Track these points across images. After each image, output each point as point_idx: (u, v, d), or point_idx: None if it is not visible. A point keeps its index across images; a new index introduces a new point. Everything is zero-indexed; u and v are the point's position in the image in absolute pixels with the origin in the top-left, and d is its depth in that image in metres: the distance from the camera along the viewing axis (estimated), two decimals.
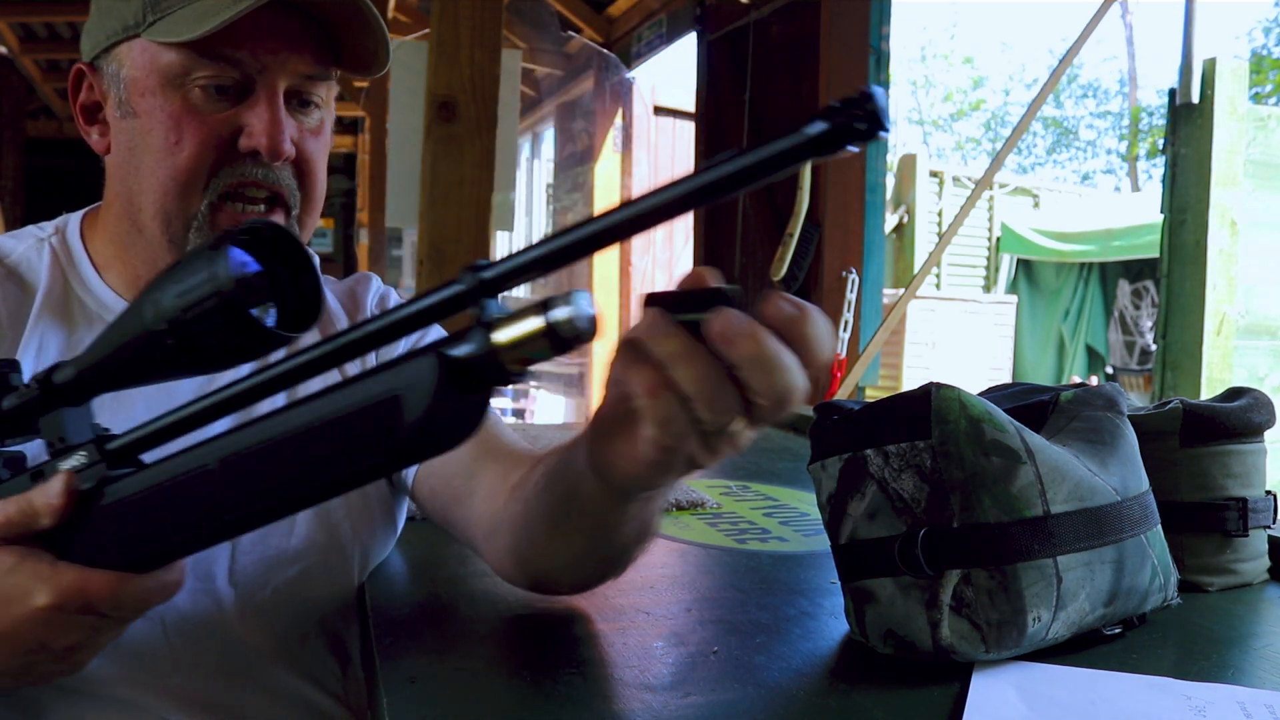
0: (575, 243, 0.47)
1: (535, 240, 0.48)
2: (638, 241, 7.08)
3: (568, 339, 0.48)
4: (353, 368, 0.89)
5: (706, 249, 4.77)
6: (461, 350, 0.50)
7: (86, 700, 0.83)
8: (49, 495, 0.64)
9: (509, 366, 0.49)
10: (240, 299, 0.54)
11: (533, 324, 0.48)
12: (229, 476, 0.58)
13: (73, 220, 0.99)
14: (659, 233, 7.31)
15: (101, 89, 0.92)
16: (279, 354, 0.57)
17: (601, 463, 0.61)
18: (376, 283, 1.08)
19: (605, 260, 6.99)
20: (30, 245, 0.95)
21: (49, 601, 0.63)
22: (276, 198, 0.90)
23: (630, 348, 0.51)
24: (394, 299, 1.08)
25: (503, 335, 0.49)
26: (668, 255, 7.34)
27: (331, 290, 1.05)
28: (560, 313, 0.48)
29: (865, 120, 0.40)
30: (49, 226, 0.98)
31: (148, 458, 0.66)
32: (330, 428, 0.53)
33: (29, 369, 0.84)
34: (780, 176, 0.43)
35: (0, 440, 0.69)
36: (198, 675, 0.87)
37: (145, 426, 0.63)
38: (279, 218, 0.91)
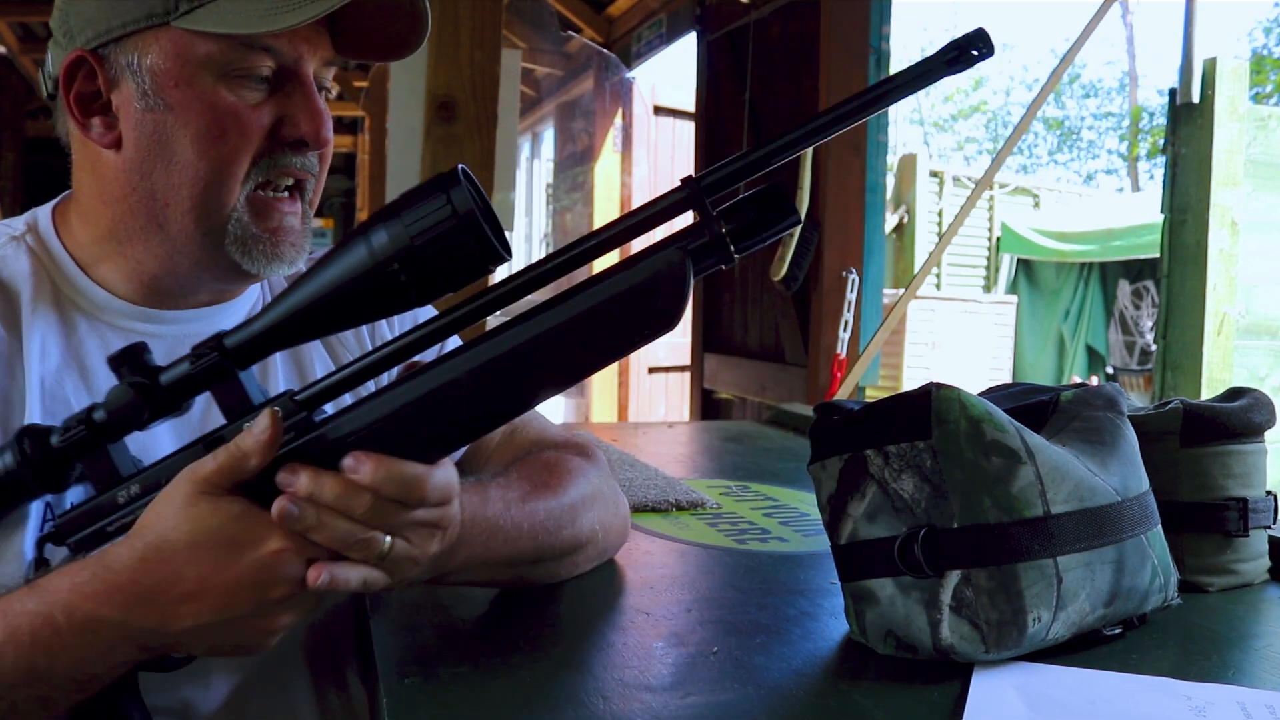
0: (778, 147, 0.60)
1: (748, 148, 0.61)
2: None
3: (780, 225, 0.62)
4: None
5: None
6: (697, 240, 0.62)
7: None
8: (256, 432, 0.64)
9: (734, 249, 0.62)
10: (475, 219, 0.60)
11: (752, 212, 0.62)
12: (481, 383, 0.63)
13: (42, 216, 0.93)
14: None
15: (108, 78, 0.85)
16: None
17: None
18: None
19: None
20: (3, 244, 0.90)
21: (280, 545, 0.64)
22: (298, 184, 0.90)
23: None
24: None
25: (730, 224, 0.62)
26: None
27: None
28: (773, 202, 0.62)
29: (979, 47, 0.57)
30: (19, 224, 0.92)
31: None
32: (598, 313, 0.62)
33: (34, 374, 0.83)
34: (912, 94, 0.59)
35: (156, 417, 0.69)
36: (219, 685, 0.87)
37: (331, 376, 0.67)
38: (297, 201, 0.90)
